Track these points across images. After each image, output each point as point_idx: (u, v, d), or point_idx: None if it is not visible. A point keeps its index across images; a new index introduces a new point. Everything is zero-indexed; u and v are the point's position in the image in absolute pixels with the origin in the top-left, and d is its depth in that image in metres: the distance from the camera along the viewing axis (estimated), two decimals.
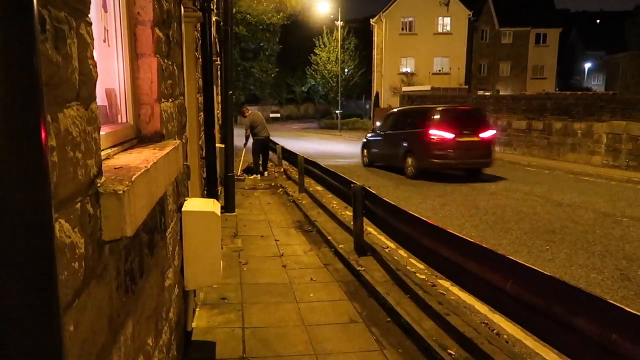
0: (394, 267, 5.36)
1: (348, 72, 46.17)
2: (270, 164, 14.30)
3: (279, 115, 53.96)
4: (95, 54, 1.35)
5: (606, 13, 58.66)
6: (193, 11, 5.02)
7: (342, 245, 6.24)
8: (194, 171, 4.94)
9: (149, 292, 2.08)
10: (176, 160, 2.56)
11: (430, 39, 41.23)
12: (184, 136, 3.53)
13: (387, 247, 6.24)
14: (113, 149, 1.97)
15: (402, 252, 5.92)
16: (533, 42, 47.22)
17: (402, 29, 41.86)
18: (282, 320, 4.26)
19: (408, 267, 5.46)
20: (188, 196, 3.82)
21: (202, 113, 6.17)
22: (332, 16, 39.06)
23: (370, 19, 44.44)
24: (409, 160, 12.57)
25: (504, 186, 11.22)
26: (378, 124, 16.86)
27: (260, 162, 13.14)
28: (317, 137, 32.61)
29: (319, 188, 9.82)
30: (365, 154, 15.54)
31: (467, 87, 37.97)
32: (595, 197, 9.94)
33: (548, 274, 2.84)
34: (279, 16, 29.13)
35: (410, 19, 41.63)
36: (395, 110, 16.31)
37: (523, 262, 3.07)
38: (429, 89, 31.63)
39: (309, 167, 10.04)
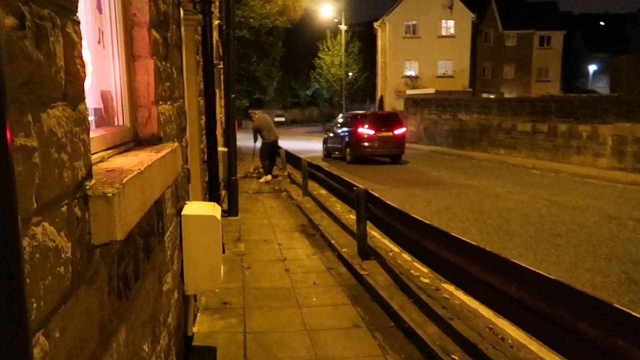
0: (398, 271, 5.30)
1: (352, 75, 46.12)
2: (274, 167, 14.30)
3: (283, 119, 53.95)
4: (88, 55, 1.32)
5: (610, 15, 58.25)
6: (193, 14, 5.01)
7: (346, 249, 6.19)
8: (195, 174, 4.92)
9: (144, 297, 2.05)
10: (174, 163, 2.53)
11: (434, 42, 41.10)
12: (183, 139, 3.51)
13: (391, 251, 6.18)
14: (108, 151, 1.94)
15: (406, 255, 5.86)
16: (537, 45, 47.08)
17: (406, 32, 41.79)
18: (284, 325, 4.22)
19: (412, 271, 5.40)
20: (189, 200, 3.79)
21: (203, 116, 6.15)
22: (335, 20, 39.06)
23: (374, 23, 44.43)
24: (348, 150, 17.18)
25: (508, 189, 11.15)
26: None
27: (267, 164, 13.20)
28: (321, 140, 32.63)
29: (323, 192, 9.78)
30: (324, 148, 19.99)
31: (471, 90, 37.77)
32: (601, 200, 9.85)
33: (553, 277, 2.78)
34: (282, 19, 29.19)
35: (413, 22, 41.57)
36: (342, 115, 21.58)
37: (527, 266, 3.02)
38: (433, 92, 31.49)
39: (312, 171, 10.03)
